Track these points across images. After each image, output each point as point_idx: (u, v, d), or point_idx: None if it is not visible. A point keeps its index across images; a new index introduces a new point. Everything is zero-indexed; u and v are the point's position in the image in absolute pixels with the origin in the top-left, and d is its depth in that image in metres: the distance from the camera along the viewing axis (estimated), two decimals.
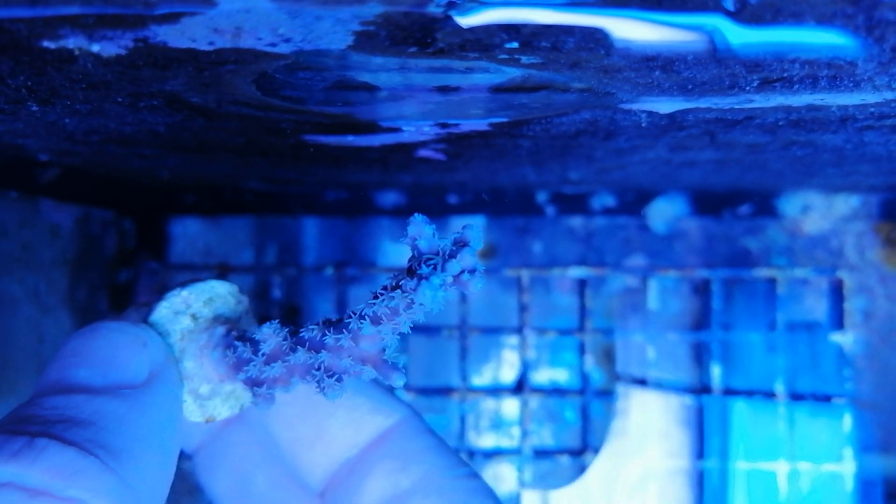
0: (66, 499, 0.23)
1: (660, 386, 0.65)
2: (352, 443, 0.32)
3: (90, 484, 0.23)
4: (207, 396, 0.32)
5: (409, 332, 0.29)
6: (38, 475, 0.23)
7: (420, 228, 0.27)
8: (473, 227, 0.27)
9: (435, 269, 0.27)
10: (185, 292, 0.31)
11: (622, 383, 0.64)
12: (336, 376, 0.29)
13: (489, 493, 0.31)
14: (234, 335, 0.31)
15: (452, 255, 0.27)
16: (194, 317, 0.31)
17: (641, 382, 0.65)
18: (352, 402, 0.32)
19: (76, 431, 0.25)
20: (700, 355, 0.66)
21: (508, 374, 0.66)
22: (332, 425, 0.32)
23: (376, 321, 0.28)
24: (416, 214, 0.27)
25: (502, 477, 0.65)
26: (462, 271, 0.27)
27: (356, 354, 0.29)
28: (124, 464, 0.25)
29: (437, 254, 0.27)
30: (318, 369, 0.29)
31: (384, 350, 0.29)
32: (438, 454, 0.31)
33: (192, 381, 0.31)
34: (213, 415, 0.32)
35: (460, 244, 0.27)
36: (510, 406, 0.66)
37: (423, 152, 0.46)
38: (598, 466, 0.64)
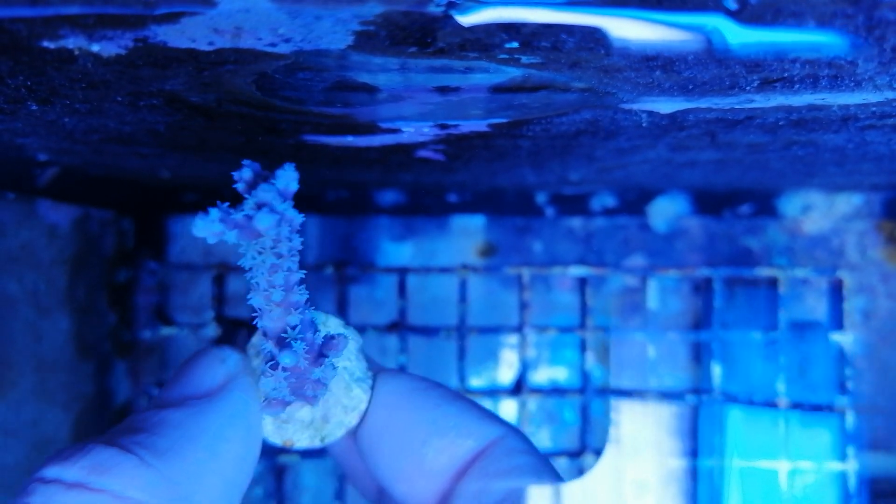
0: (99, 489, 0.25)
1: (657, 390, 0.65)
2: (446, 470, 0.31)
3: (124, 477, 0.25)
4: (284, 419, 0.32)
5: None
6: (78, 471, 0.25)
7: (243, 173, 0.27)
8: (287, 169, 0.27)
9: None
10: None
11: (615, 395, 0.64)
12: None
13: None
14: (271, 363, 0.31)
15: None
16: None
17: (636, 393, 0.65)
18: (443, 427, 0.31)
19: (127, 437, 0.27)
20: (700, 354, 0.66)
21: (507, 375, 0.66)
22: (427, 454, 0.31)
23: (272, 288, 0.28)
24: (245, 161, 0.28)
25: None
26: (264, 206, 0.27)
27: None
28: (168, 461, 0.26)
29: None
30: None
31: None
32: (527, 473, 0.30)
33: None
34: (291, 440, 0.32)
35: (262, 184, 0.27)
36: (508, 408, 0.66)
37: (423, 153, 0.46)
38: (597, 468, 0.64)
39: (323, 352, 0.30)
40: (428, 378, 0.34)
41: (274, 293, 0.28)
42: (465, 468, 0.31)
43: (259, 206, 0.27)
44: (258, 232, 0.27)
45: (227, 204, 0.27)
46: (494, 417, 0.32)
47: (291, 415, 0.32)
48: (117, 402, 0.66)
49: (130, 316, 0.66)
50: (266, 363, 0.30)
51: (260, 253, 0.28)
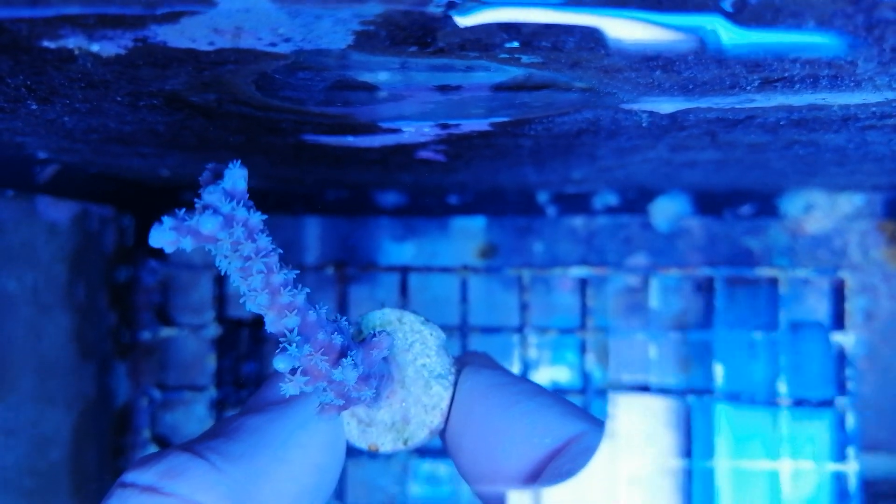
0: (169, 493, 0.26)
1: (659, 388, 0.65)
2: (522, 472, 0.30)
3: (193, 481, 0.26)
4: (367, 423, 0.31)
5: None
6: (151, 476, 0.26)
7: (204, 176, 0.26)
8: (232, 168, 0.26)
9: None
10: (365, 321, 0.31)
11: (614, 390, 0.64)
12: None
13: None
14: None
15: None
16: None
17: (637, 388, 0.65)
18: (519, 427, 0.30)
19: (204, 443, 0.27)
20: (701, 354, 0.66)
21: None
22: (502, 456, 0.30)
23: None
24: (209, 165, 0.26)
25: None
26: (207, 209, 0.25)
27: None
28: (240, 466, 0.27)
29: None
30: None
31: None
32: None
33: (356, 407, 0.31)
34: (376, 444, 0.32)
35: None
36: None
37: (424, 153, 0.46)
38: (593, 466, 0.64)
39: (344, 351, 0.29)
40: (511, 372, 0.32)
41: (259, 297, 0.27)
42: (542, 468, 0.30)
43: (204, 209, 0.25)
44: (210, 237, 0.25)
45: (184, 210, 0.25)
46: (576, 414, 0.31)
47: (373, 418, 0.31)
48: (117, 403, 0.66)
49: (131, 316, 0.66)
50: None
51: (225, 257, 0.27)
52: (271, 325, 0.28)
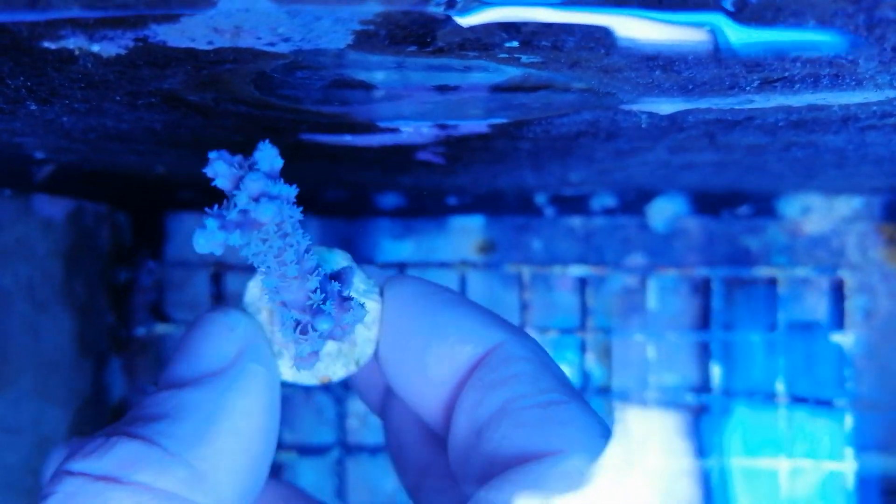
0: (130, 483, 0.25)
1: (658, 389, 0.65)
2: (449, 378, 0.29)
3: (152, 470, 0.25)
4: (314, 359, 0.30)
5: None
6: (105, 465, 0.25)
7: (215, 167, 0.25)
8: (263, 149, 0.25)
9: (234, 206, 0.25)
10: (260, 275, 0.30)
11: (618, 398, 0.64)
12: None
13: (572, 416, 0.27)
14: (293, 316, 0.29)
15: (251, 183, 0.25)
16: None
17: (639, 395, 0.65)
18: (443, 333, 0.29)
19: (151, 426, 0.26)
20: (700, 354, 0.66)
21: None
22: (429, 362, 0.30)
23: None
24: (211, 154, 0.26)
25: None
26: (260, 196, 0.25)
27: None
28: (194, 448, 0.26)
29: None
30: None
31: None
32: (524, 382, 0.28)
33: (289, 349, 0.30)
34: (327, 375, 0.31)
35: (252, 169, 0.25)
36: None
37: (422, 155, 0.46)
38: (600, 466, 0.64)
39: (343, 294, 0.29)
40: (436, 283, 0.32)
41: (288, 269, 0.27)
42: (467, 377, 0.29)
43: (255, 198, 0.25)
44: (261, 223, 0.25)
45: (217, 206, 0.25)
46: (498, 322, 0.30)
47: (320, 352, 0.31)
48: (113, 400, 0.66)
49: (127, 313, 0.66)
50: (294, 330, 0.29)
51: (265, 241, 0.26)
52: (296, 293, 0.28)
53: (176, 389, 0.28)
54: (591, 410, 0.28)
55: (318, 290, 0.28)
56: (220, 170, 0.25)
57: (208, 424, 0.27)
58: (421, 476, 0.34)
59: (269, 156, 0.26)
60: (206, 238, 0.24)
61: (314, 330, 0.28)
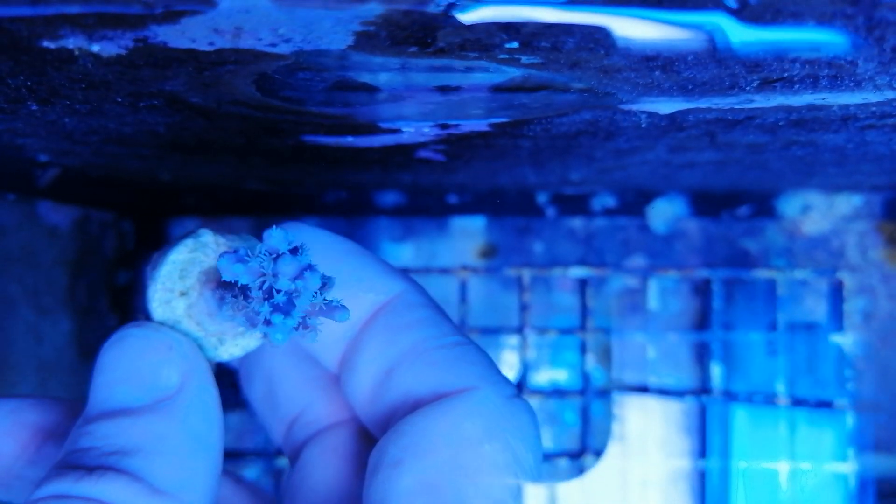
0: None
1: (659, 389, 0.65)
2: (350, 326, 0.30)
3: None
4: (225, 341, 0.30)
5: None
6: (102, 497, 0.25)
7: (234, 270, 0.26)
8: (275, 234, 0.26)
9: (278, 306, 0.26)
10: (162, 276, 0.29)
11: (619, 391, 0.64)
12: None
13: (478, 357, 0.29)
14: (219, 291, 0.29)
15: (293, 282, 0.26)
16: (182, 293, 0.29)
17: (640, 389, 0.65)
18: (345, 284, 0.30)
19: (128, 461, 0.26)
20: (700, 355, 0.66)
21: (508, 376, 0.66)
22: None
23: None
24: (220, 262, 0.26)
25: None
26: (300, 273, 0.26)
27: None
28: (177, 482, 0.26)
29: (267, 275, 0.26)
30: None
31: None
32: (429, 325, 0.29)
33: (210, 340, 0.30)
34: (233, 353, 0.30)
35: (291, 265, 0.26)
36: None
37: (423, 153, 0.46)
38: (598, 469, 0.64)
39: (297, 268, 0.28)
40: (333, 233, 0.32)
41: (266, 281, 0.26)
42: (367, 323, 0.30)
43: (295, 278, 0.26)
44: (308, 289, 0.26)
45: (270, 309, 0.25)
46: (396, 273, 0.31)
47: (226, 330, 0.30)
48: None
49: (128, 315, 0.66)
50: (264, 302, 0.27)
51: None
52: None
53: (134, 417, 0.27)
54: (486, 352, 0.30)
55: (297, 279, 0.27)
56: (238, 270, 0.26)
57: (179, 453, 0.27)
58: (294, 421, 0.34)
59: (279, 237, 0.26)
60: (273, 333, 0.25)
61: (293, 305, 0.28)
